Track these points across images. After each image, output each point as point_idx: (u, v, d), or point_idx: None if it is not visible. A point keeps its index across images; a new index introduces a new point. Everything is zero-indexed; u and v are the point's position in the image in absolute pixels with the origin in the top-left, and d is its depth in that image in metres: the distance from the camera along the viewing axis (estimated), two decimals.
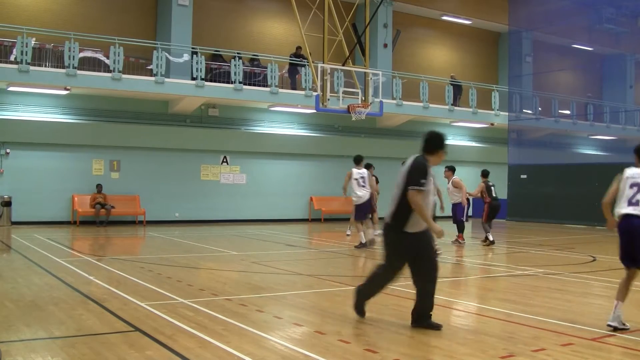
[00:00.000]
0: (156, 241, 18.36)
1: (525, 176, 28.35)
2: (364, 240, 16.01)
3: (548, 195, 27.06)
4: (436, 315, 8.18)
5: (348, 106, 18.41)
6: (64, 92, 22.33)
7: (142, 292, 9.33)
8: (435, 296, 7.30)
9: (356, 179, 15.87)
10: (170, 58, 23.46)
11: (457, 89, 29.98)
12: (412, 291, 9.64)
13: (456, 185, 17.06)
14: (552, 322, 7.62)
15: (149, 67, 23.22)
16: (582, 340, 6.76)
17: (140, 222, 23.95)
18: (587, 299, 9.72)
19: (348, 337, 6.71)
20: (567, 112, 35.21)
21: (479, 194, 17.56)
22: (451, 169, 17.48)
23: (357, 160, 16.15)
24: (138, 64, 23.65)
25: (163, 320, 7.44)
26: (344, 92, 18.72)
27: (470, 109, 29.94)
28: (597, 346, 6.54)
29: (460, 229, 17.44)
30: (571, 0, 32.36)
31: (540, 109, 33.15)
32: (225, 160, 26.07)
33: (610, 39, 35.31)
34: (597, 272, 12.29)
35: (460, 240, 17.28)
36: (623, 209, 7.35)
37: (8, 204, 22.04)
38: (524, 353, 6.20)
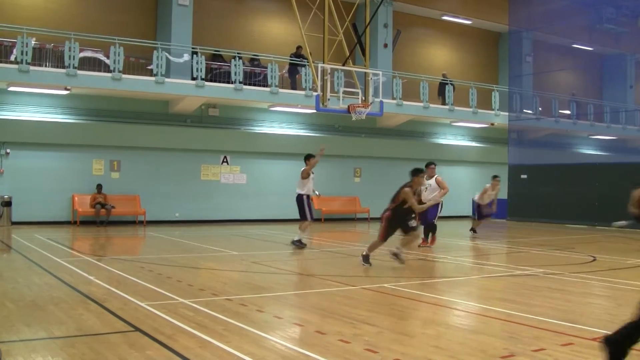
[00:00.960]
0: (156, 241, 18.37)
1: (525, 176, 28.36)
2: (296, 238, 15.92)
3: (548, 195, 27.06)
4: (437, 315, 8.20)
5: (348, 106, 18.39)
6: (64, 92, 22.34)
7: (142, 292, 9.33)
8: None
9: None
10: (171, 58, 23.46)
11: (442, 87, 29.92)
12: (412, 290, 9.67)
13: (439, 184, 16.38)
14: (553, 322, 7.62)
15: (149, 67, 23.23)
16: (582, 340, 6.75)
17: (141, 222, 23.96)
18: (587, 299, 9.72)
19: (348, 337, 6.70)
20: (568, 112, 35.22)
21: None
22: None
23: (304, 159, 16.31)
24: (138, 64, 23.66)
25: (163, 320, 7.44)
26: (344, 92, 18.69)
27: (471, 109, 29.94)
28: (597, 346, 6.53)
29: (433, 231, 16.81)
30: (571, 0, 32.37)
31: (540, 109, 33.16)
32: (225, 160, 26.08)
33: (610, 39, 35.32)
34: (598, 272, 12.28)
35: (430, 245, 16.56)
36: None
37: (8, 204, 22.04)
38: (524, 353, 6.19)
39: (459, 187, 30.25)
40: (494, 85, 32.05)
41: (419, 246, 16.07)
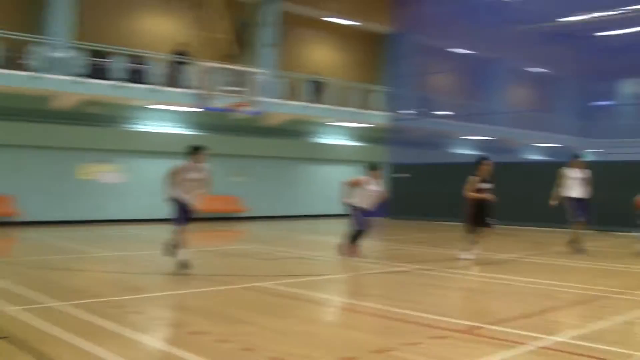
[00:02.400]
0: (31, 242, 17.73)
1: (404, 175, 28.99)
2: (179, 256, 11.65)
3: (427, 193, 27.73)
4: (314, 313, 8.31)
5: (231, 105, 18.35)
6: None
7: (9, 295, 8.97)
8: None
9: None
10: (49, 53, 22.72)
11: (321, 86, 30.27)
12: (291, 289, 9.74)
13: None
14: (427, 316, 7.86)
15: (25, 62, 22.40)
16: (455, 333, 7.01)
17: (16, 223, 23.05)
18: (460, 293, 10.11)
19: (226, 336, 6.70)
20: (446, 113, 36.34)
21: None
22: None
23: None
24: (14, 57, 22.76)
25: (32, 325, 7.17)
26: (228, 91, 18.64)
27: (352, 109, 30.40)
28: (469, 338, 6.80)
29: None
30: (452, 5, 33.36)
31: (420, 109, 34.06)
32: (105, 159, 25.43)
33: (487, 44, 36.71)
34: (470, 267, 12.76)
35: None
36: None
37: None
38: (399, 348, 6.35)
39: (337, 186, 30.70)
40: (377, 86, 32.65)
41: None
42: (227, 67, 19.28)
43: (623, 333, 7.38)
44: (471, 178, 13.63)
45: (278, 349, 6.28)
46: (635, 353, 6.31)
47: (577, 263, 13.59)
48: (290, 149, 29.85)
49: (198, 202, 11.82)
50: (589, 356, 6.23)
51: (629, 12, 33.78)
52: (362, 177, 14.15)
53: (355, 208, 14.07)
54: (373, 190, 14.03)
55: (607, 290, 10.15)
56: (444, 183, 27.15)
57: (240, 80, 19.50)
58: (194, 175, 11.85)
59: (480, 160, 13.88)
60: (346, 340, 6.73)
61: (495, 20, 34.99)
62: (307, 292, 9.68)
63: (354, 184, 14.07)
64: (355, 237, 14.14)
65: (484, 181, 13.62)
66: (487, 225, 13.52)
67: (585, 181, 15.33)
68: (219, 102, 18.12)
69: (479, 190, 13.49)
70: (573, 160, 15.73)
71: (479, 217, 13.44)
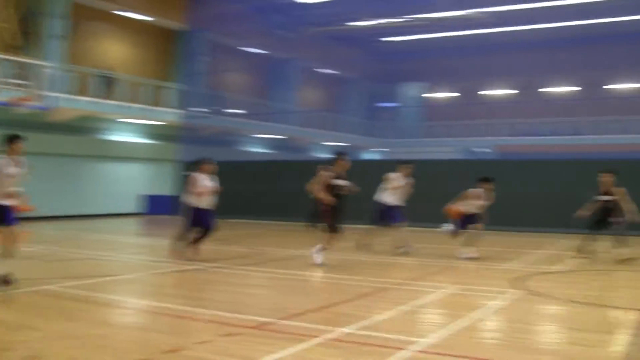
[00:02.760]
0: None
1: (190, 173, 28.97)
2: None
3: (226, 191, 27.87)
4: (104, 315, 8.15)
5: (14, 99, 17.46)
6: None
7: None
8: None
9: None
10: None
11: (112, 82, 29.57)
12: (79, 291, 9.46)
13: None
14: (219, 313, 7.98)
15: None
16: (246, 329, 7.17)
17: None
18: (250, 290, 10.34)
19: (9, 344, 6.42)
20: (239, 111, 36.71)
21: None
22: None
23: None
24: None
25: None
26: (10, 84, 17.70)
27: (144, 106, 29.87)
28: (260, 334, 6.99)
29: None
30: (246, 5, 33.74)
31: (212, 107, 34.18)
32: None
33: (280, 44, 37.55)
34: (260, 264, 13.05)
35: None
36: None
37: None
38: (189, 347, 6.43)
39: (127, 184, 30.19)
40: (169, 83, 32.32)
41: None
42: (10, 58, 18.29)
43: (405, 321, 7.93)
44: (323, 173, 12.64)
45: (66, 354, 6.14)
46: (418, 339, 6.81)
47: (365, 258, 14.28)
48: (79, 146, 28.77)
49: (18, 201, 10.20)
50: (375, 345, 6.64)
51: (412, 21, 36.02)
52: (195, 175, 13.53)
53: (192, 208, 13.44)
54: (206, 186, 13.51)
55: (391, 282, 10.84)
56: (234, 181, 27.45)
57: (24, 72, 18.57)
58: (12, 170, 9.97)
59: (338, 156, 12.81)
60: (138, 342, 6.70)
61: (288, 21, 36.00)
62: (97, 293, 9.45)
63: (191, 183, 13.40)
64: (187, 236, 13.62)
65: (338, 177, 12.56)
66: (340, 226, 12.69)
67: (408, 187, 14.97)
68: (1, 96, 17.13)
69: (332, 187, 12.47)
70: (401, 165, 15.11)
71: (335, 218, 12.62)
